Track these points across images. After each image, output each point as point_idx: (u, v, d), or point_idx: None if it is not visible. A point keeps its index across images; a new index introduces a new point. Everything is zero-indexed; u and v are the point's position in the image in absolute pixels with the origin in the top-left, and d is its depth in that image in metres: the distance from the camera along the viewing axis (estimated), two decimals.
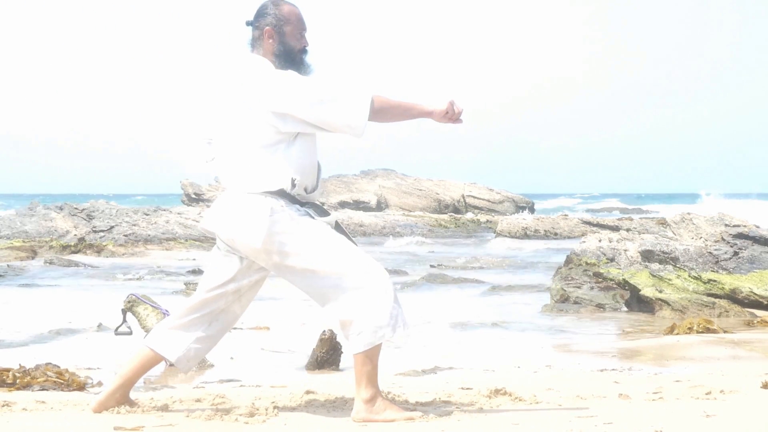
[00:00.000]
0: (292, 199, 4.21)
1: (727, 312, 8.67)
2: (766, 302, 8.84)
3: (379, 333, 4.09)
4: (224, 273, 4.31)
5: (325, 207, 4.45)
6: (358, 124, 4.16)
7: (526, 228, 25.03)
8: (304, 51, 4.34)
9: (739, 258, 10.67)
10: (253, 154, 4.20)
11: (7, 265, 15.27)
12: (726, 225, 11.84)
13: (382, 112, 4.19)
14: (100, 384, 5.36)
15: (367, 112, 4.15)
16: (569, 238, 24.09)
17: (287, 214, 4.17)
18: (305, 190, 4.28)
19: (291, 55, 4.30)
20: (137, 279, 13.47)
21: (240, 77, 4.24)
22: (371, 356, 4.13)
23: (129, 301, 6.53)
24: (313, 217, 4.22)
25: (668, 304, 8.82)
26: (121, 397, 4.38)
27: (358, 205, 37.86)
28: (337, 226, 4.27)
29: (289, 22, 4.31)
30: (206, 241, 20.72)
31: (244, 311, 4.44)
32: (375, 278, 4.11)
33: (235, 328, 7.18)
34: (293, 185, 4.19)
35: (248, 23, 4.38)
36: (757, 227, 11.49)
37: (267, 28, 4.31)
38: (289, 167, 4.19)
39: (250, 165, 4.20)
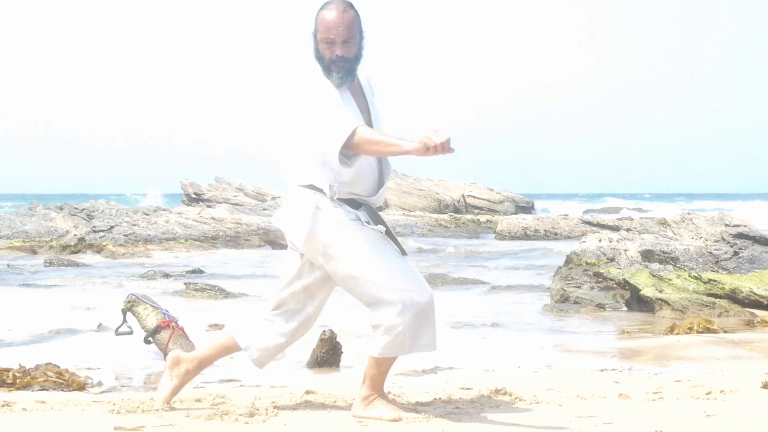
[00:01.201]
0: (346, 200, 4.22)
1: (727, 312, 8.67)
2: (766, 302, 8.84)
3: (397, 348, 4.17)
4: (290, 269, 4.35)
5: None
6: (332, 153, 4.12)
7: (526, 228, 24.99)
8: (335, 61, 4.21)
9: (739, 258, 10.67)
10: (300, 151, 4.24)
11: (7, 265, 15.28)
12: (726, 225, 11.84)
13: (362, 146, 4.11)
14: (100, 384, 5.36)
15: (340, 144, 4.09)
16: (569, 238, 24.06)
17: (333, 215, 4.18)
18: (361, 194, 4.26)
19: (321, 63, 4.26)
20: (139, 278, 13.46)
21: (285, 76, 4.34)
22: (381, 364, 4.24)
23: (129, 301, 6.53)
24: (362, 222, 4.22)
25: (668, 304, 8.82)
26: (194, 371, 4.48)
27: None
28: (388, 233, 4.26)
29: (318, 30, 4.26)
30: (206, 241, 20.70)
31: (319, 313, 4.42)
32: (411, 296, 4.15)
33: None
34: (332, 190, 4.18)
35: None
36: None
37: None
38: (330, 171, 4.19)
39: (299, 159, 4.24)
